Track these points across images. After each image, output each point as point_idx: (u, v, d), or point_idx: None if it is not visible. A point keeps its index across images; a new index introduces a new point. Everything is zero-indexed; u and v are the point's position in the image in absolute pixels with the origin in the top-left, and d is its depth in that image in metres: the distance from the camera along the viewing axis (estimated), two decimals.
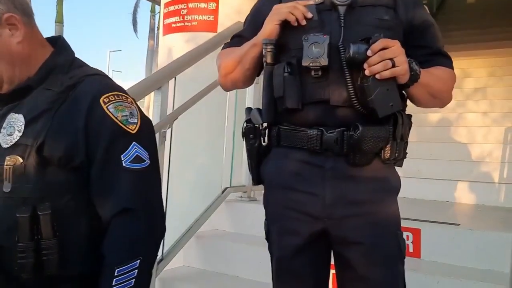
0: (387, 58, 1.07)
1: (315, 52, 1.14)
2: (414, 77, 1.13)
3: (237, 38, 1.43)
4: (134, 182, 0.98)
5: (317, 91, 1.18)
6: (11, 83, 1.03)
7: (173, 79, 2.35)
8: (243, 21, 2.97)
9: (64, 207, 0.96)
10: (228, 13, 3.69)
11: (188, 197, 3.06)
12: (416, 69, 1.13)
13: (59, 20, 18.09)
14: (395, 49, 1.08)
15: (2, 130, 0.99)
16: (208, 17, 3.78)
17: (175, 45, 3.86)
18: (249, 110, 1.38)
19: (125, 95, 1.05)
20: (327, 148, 1.18)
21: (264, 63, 1.24)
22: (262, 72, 1.29)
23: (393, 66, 1.07)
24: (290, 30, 1.22)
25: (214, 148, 3.07)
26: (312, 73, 1.17)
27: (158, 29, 18.20)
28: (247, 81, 1.40)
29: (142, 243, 0.97)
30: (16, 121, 0.98)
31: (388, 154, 1.18)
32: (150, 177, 1.02)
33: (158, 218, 1.03)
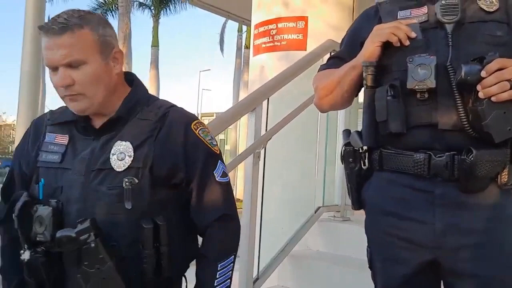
0: (504, 79, 1.00)
1: (422, 73, 1.09)
2: None
3: (334, 60, 1.42)
4: (226, 193, 1.19)
5: (424, 115, 1.13)
6: (102, 117, 1.14)
7: (266, 100, 2.39)
8: (333, 38, 2.97)
9: (167, 219, 1.10)
10: (318, 31, 3.69)
11: (281, 215, 3.08)
12: None
13: (155, 44, 19.36)
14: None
15: (111, 156, 1.10)
16: (297, 36, 3.82)
17: (265, 65, 3.95)
18: (347, 133, 1.35)
19: (203, 122, 1.24)
20: (436, 173, 1.12)
21: (364, 86, 1.22)
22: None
23: None
24: (393, 50, 1.19)
25: (306, 166, 3.07)
26: (418, 95, 1.12)
27: (246, 47, 18.72)
28: (346, 103, 1.38)
29: (236, 241, 1.20)
30: (126, 148, 1.10)
31: (506, 179, 1.10)
32: (231, 187, 1.23)
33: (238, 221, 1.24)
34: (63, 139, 1.15)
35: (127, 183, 1.07)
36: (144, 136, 1.12)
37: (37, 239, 1.06)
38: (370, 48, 1.21)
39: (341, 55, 1.40)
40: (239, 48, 20.61)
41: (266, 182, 2.45)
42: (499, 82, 1.01)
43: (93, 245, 1.03)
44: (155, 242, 1.07)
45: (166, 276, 1.09)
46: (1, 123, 39.72)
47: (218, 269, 1.13)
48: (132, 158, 1.09)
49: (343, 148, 1.33)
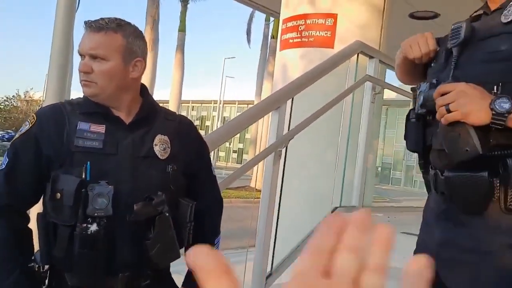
0: (444, 104, 1.07)
1: (421, 100, 1.20)
2: (497, 117, 1.04)
3: None
4: (216, 182, 1.51)
5: (429, 136, 1.23)
6: (128, 114, 1.32)
7: (290, 99, 2.41)
8: (361, 37, 2.95)
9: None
10: (347, 29, 3.67)
11: (297, 213, 3.11)
12: (502, 108, 1.03)
13: (182, 29, 19.46)
14: (454, 93, 1.07)
15: (154, 146, 1.30)
16: (326, 33, 3.81)
17: (290, 61, 3.95)
18: None
19: None
20: (441, 190, 1.21)
21: None
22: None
23: (449, 111, 1.07)
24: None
25: (326, 166, 3.08)
26: (428, 118, 1.21)
27: (272, 37, 18.64)
28: (416, 80, 1.44)
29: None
30: (166, 141, 1.33)
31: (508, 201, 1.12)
32: None
33: None
34: (100, 128, 1.27)
35: (170, 169, 1.30)
36: (174, 132, 1.35)
37: (95, 214, 1.18)
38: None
39: None
40: (265, 37, 20.53)
41: (285, 179, 2.48)
42: (441, 106, 1.08)
43: (167, 214, 1.24)
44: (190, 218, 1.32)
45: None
46: (28, 98, 40.61)
47: (215, 243, 1.44)
48: (170, 149, 1.31)
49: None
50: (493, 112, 1.03)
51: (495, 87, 1.07)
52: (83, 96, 1.32)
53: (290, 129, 2.42)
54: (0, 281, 1.23)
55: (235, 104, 43.60)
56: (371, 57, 3.01)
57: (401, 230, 2.77)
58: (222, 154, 42.35)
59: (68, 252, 1.19)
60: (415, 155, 1.31)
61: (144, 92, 1.40)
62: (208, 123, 42.97)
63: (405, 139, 1.26)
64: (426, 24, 5.94)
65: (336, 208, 2.80)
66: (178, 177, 1.32)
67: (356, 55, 2.93)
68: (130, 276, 1.26)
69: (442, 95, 1.08)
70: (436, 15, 5.69)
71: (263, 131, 18.21)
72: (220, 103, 38.37)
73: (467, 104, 1.05)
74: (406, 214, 3.84)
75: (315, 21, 3.85)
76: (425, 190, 1.38)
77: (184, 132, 1.39)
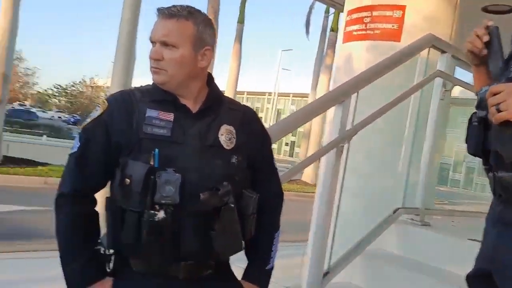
0: (495, 103, 1.06)
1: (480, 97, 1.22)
2: None
3: None
4: (278, 175, 1.49)
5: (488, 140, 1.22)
6: (195, 103, 1.31)
7: (356, 93, 2.32)
8: (430, 31, 2.79)
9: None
10: (415, 22, 3.50)
11: (357, 211, 3.02)
12: None
13: (241, 21, 19.53)
14: (504, 93, 1.06)
15: (220, 136, 1.29)
16: (392, 26, 3.65)
17: (354, 53, 3.83)
18: None
19: None
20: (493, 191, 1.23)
21: None
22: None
23: (499, 111, 1.06)
24: None
25: (390, 165, 2.96)
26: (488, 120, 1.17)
27: (332, 30, 18.30)
28: None
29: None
30: (231, 131, 1.31)
31: None
32: None
33: None
34: (169, 116, 1.27)
35: (235, 159, 1.29)
36: (238, 123, 1.33)
37: (163, 201, 1.18)
38: None
39: None
40: (324, 30, 20.18)
41: (349, 180, 2.40)
42: (492, 106, 1.07)
43: (232, 205, 1.23)
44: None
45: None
46: (93, 84, 42.58)
47: (274, 237, 1.42)
48: (235, 140, 1.30)
49: None
50: None
51: None
52: (152, 83, 1.33)
53: (353, 124, 2.33)
54: (67, 264, 1.26)
55: (289, 96, 43.41)
56: (443, 51, 2.83)
57: (468, 236, 2.60)
58: (274, 146, 42.42)
59: (136, 237, 1.20)
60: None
61: (210, 81, 1.38)
62: (261, 115, 43.13)
63: (466, 142, 1.25)
64: (501, 18, 5.56)
65: (398, 209, 2.69)
66: (242, 168, 1.31)
67: (427, 49, 2.77)
68: (193, 265, 1.26)
69: (494, 95, 1.07)
70: (511, 10, 5.30)
71: (316, 125, 18.03)
72: (274, 95, 38.34)
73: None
74: (471, 219, 3.62)
75: (382, 13, 3.70)
76: (484, 193, 1.33)
77: (248, 123, 1.38)
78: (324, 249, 2.20)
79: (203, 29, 1.29)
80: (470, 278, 1.30)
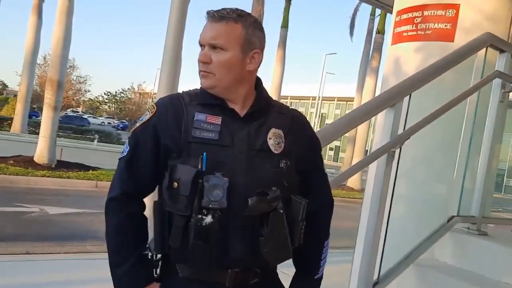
0: None
1: None
2: None
3: None
4: (328, 182, 1.44)
5: None
6: (243, 107, 1.29)
7: (408, 96, 2.22)
8: (487, 30, 2.63)
9: None
10: (470, 21, 3.32)
11: (409, 219, 2.89)
12: None
13: (284, 25, 19.52)
14: None
15: (268, 140, 1.26)
16: (445, 26, 3.48)
17: (404, 55, 3.69)
18: None
19: None
20: None
21: None
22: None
23: None
24: None
25: (443, 170, 2.82)
26: None
27: (379, 32, 17.94)
28: None
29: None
30: (280, 135, 1.29)
31: None
32: None
33: None
34: (217, 120, 1.26)
35: (283, 164, 1.26)
36: (287, 127, 1.31)
37: (210, 205, 1.16)
38: None
39: None
40: (369, 32, 19.81)
41: (401, 186, 2.30)
42: None
43: (281, 211, 1.20)
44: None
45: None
46: (141, 91, 43.92)
47: (324, 246, 1.39)
48: (284, 144, 1.27)
49: None
50: None
51: None
52: (200, 87, 1.31)
53: (405, 128, 2.23)
54: (115, 267, 1.26)
55: (333, 100, 42.88)
56: (502, 50, 2.67)
57: None
58: None
59: (183, 242, 1.19)
60: None
61: (259, 85, 1.36)
62: None
63: None
64: None
65: (453, 217, 2.55)
66: (291, 173, 1.28)
67: (484, 49, 2.62)
68: (240, 272, 1.23)
69: None
70: None
71: (361, 130, 17.67)
72: (318, 99, 38.01)
73: None
74: None
75: (434, 12, 3.53)
76: None
77: (297, 127, 1.35)
78: (374, 258, 2.11)
79: (252, 32, 1.27)
80: None
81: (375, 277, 2.18)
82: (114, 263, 1.27)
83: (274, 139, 1.27)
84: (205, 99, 1.29)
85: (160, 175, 1.26)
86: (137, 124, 1.34)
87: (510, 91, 2.67)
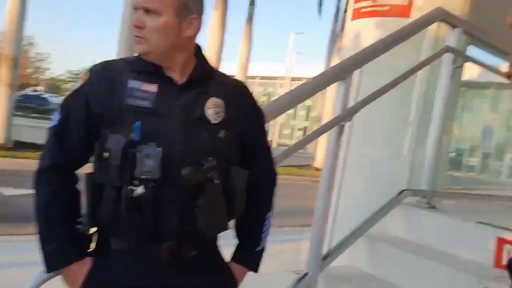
0: None
1: None
2: None
3: None
4: (271, 154, 1.42)
5: None
6: (182, 75, 1.24)
7: (359, 69, 2.21)
8: (446, 6, 2.65)
9: None
10: None
11: (361, 193, 2.92)
12: None
13: (252, 2, 19.25)
14: None
15: (207, 109, 1.22)
16: (402, 1, 3.49)
17: (362, 31, 3.69)
18: None
19: None
20: None
21: None
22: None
23: None
24: None
25: (394, 145, 2.85)
26: None
27: (345, 12, 18.02)
28: None
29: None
30: (220, 104, 1.24)
31: None
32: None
33: None
34: (152, 87, 1.21)
35: (223, 134, 1.22)
36: (229, 97, 1.26)
37: (142, 176, 1.12)
38: None
39: None
40: (337, 12, 19.83)
41: (352, 161, 2.30)
42: None
43: (217, 181, 1.17)
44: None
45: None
46: None
47: (266, 218, 1.37)
48: (223, 114, 1.23)
49: None
50: None
51: None
52: (137, 54, 1.25)
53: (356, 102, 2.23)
54: (46, 243, 1.20)
55: (302, 81, 42.97)
56: (454, 26, 2.69)
57: (476, 219, 2.50)
58: (287, 131, 42.18)
59: (115, 215, 1.15)
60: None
61: (199, 52, 1.31)
62: None
63: None
64: None
65: (403, 191, 2.59)
66: (231, 144, 1.25)
67: (436, 24, 2.63)
68: (176, 244, 1.20)
69: None
70: None
71: (329, 109, 17.81)
72: (287, 80, 38.03)
73: None
74: (480, 203, 3.51)
75: None
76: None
77: (240, 97, 1.31)
78: (324, 232, 2.12)
79: None
80: None
81: (326, 249, 2.20)
82: (43, 239, 1.21)
83: (213, 109, 1.24)
84: (140, 66, 1.23)
85: (92, 146, 1.20)
86: (69, 92, 1.27)
87: (461, 66, 2.70)
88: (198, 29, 1.26)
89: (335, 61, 18.32)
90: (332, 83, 2.14)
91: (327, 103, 16.57)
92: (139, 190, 1.13)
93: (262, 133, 1.40)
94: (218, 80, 1.30)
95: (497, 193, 5.13)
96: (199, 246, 1.25)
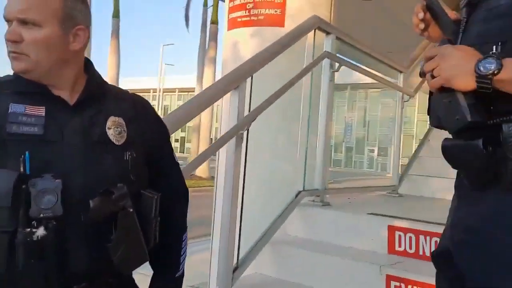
0: (429, 70, 1.00)
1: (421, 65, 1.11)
2: (481, 79, 0.93)
3: None
4: (181, 172, 1.31)
5: None
6: (73, 94, 1.10)
7: (250, 78, 2.23)
8: (318, 13, 2.80)
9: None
10: (297, 7, 3.53)
11: (261, 200, 2.95)
12: (487, 69, 0.92)
13: (116, 15, 18.53)
14: (437, 58, 1.00)
15: (107, 130, 1.10)
16: (275, 11, 3.64)
17: (240, 40, 3.76)
18: None
19: None
20: None
21: None
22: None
23: (433, 77, 1.00)
24: None
25: (289, 150, 2.95)
26: None
27: (213, 23, 18.26)
28: None
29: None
30: (121, 123, 1.12)
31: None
32: None
33: None
34: (39, 111, 1.04)
35: (128, 156, 1.11)
36: (129, 114, 1.15)
37: (41, 215, 0.96)
38: None
39: None
40: (204, 23, 20.07)
41: (247, 165, 2.31)
42: (428, 72, 1.01)
43: (130, 210, 1.05)
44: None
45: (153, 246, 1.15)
46: None
47: (183, 239, 1.27)
48: (126, 133, 1.12)
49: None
50: (477, 75, 0.93)
51: (494, 47, 0.95)
52: (14, 73, 1.07)
53: (250, 110, 2.24)
54: None
55: (175, 92, 42.63)
56: (328, 33, 2.88)
57: (366, 211, 2.70)
58: None
59: (10, 264, 0.96)
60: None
61: (90, 67, 1.17)
62: None
63: (428, 114, 1.13)
64: (378, 2, 5.97)
65: (300, 192, 2.68)
66: (138, 165, 1.13)
67: (313, 31, 2.78)
68: (88, 286, 1.05)
69: (429, 60, 1.00)
70: None
71: (205, 119, 17.91)
72: (159, 92, 37.36)
73: (449, 68, 0.97)
74: (365, 195, 3.82)
75: None
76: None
77: (140, 114, 1.20)
78: (233, 243, 2.09)
79: (73, 4, 1.07)
80: (433, 254, 1.20)
81: (235, 262, 2.16)
82: None
83: (114, 129, 1.11)
84: (21, 87, 1.06)
85: None
86: None
87: (337, 70, 2.89)
88: (86, 42, 1.12)
89: (206, 71, 18.50)
90: (226, 93, 2.12)
91: (202, 114, 16.62)
92: (40, 231, 0.96)
93: (169, 150, 1.30)
94: (114, 96, 1.18)
95: (374, 183, 5.62)
96: (115, 284, 1.12)
